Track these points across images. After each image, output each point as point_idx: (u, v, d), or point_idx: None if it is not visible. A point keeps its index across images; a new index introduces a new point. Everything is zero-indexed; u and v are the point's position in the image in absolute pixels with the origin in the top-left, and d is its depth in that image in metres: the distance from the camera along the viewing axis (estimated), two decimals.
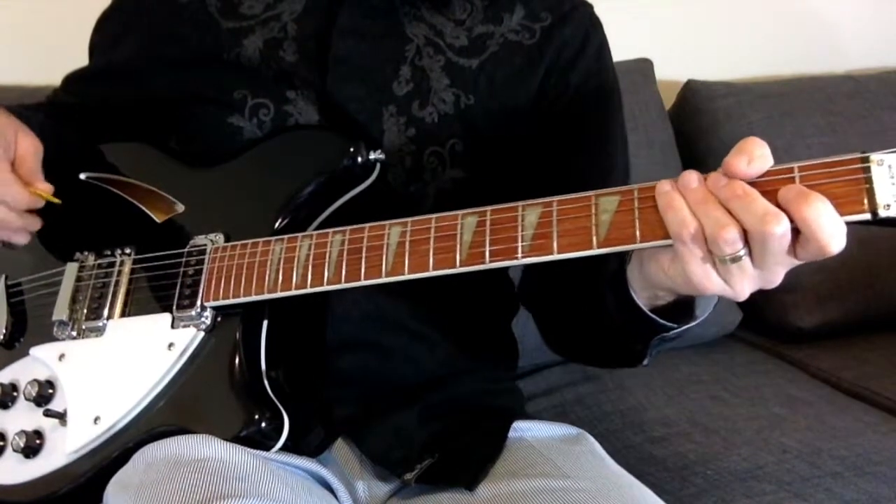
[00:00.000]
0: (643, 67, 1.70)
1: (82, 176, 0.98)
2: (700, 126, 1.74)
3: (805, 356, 1.55)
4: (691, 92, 1.77)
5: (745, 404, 1.33)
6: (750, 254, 0.63)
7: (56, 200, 0.92)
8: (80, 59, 1.09)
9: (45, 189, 0.90)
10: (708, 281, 0.66)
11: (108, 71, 1.04)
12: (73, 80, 1.10)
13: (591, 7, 1.00)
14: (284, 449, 0.80)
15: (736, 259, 0.63)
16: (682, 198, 0.64)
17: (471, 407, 0.95)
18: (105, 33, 1.06)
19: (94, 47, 1.08)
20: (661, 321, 0.76)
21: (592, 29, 0.98)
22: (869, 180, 0.60)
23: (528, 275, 1.00)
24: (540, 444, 0.91)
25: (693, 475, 1.15)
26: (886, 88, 1.79)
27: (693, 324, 0.76)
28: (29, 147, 0.89)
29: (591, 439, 0.95)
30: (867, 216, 0.60)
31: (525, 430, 0.94)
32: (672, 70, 1.83)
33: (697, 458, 1.18)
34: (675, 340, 0.80)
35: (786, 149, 1.68)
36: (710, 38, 1.90)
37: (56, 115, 1.05)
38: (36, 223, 0.92)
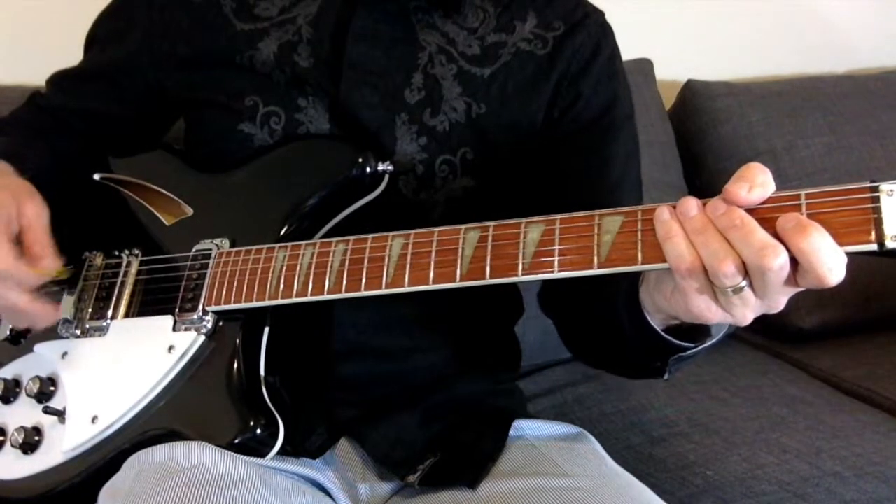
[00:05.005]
0: (643, 67, 1.70)
1: (96, 176, 0.98)
2: (700, 126, 1.74)
3: (805, 356, 1.55)
4: (691, 92, 1.77)
5: (745, 404, 1.33)
6: (751, 284, 0.62)
7: (65, 276, 0.90)
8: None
9: (51, 267, 0.84)
10: (709, 312, 0.65)
11: (109, 67, 1.03)
12: (65, 78, 1.07)
13: (602, 15, 1.00)
14: (284, 453, 0.81)
15: (737, 290, 0.62)
16: (681, 227, 0.64)
17: (472, 408, 0.95)
18: (109, 27, 1.04)
19: (94, 41, 1.05)
20: (676, 342, 0.75)
21: (604, 38, 0.98)
22: (877, 210, 0.58)
23: (548, 284, 1.00)
24: (540, 443, 0.92)
25: (693, 475, 1.15)
26: (886, 88, 1.79)
27: (709, 343, 0.75)
28: (32, 215, 0.84)
29: (592, 439, 0.95)
30: (874, 247, 0.59)
31: (526, 429, 0.94)
32: (672, 70, 1.83)
33: (697, 458, 1.18)
34: (695, 357, 0.79)
35: (786, 149, 1.68)
36: (710, 38, 1.90)
37: (45, 126, 1.03)
38: (54, 313, 0.87)
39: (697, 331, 0.75)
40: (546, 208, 0.72)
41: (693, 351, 0.76)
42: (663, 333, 0.75)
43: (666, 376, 0.82)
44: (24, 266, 0.82)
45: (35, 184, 0.89)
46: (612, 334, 0.82)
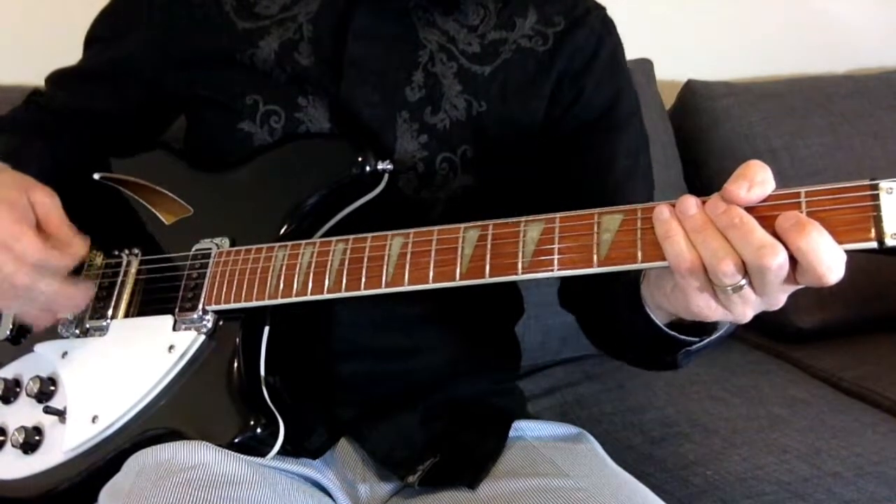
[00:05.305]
0: (643, 67, 1.70)
1: (96, 176, 0.98)
2: (700, 126, 1.74)
3: (805, 356, 1.55)
4: (691, 92, 1.77)
5: (745, 404, 1.33)
6: (750, 283, 0.63)
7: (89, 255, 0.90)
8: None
9: (81, 249, 0.84)
10: (709, 309, 0.66)
11: (109, 66, 1.02)
12: (64, 76, 1.06)
13: (604, 10, 0.99)
14: (284, 452, 0.81)
15: (737, 289, 0.63)
16: (680, 226, 0.64)
17: (472, 407, 0.95)
18: (109, 26, 1.03)
19: (94, 40, 1.05)
20: (681, 337, 0.75)
21: (606, 33, 0.97)
22: (877, 208, 0.59)
23: (565, 281, 0.99)
24: (540, 443, 0.92)
25: (693, 475, 1.15)
26: (886, 88, 1.79)
27: (716, 336, 0.76)
28: (47, 202, 0.84)
29: (592, 439, 0.95)
30: (873, 245, 0.59)
31: (526, 429, 0.94)
32: (672, 70, 1.83)
33: (697, 458, 1.18)
34: (705, 350, 0.79)
35: (786, 148, 1.68)
36: (710, 38, 1.90)
37: (44, 126, 1.02)
38: (90, 290, 0.87)
39: (703, 326, 0.75)
40: (551, 206, 0.72)
41: (701, 344, 0.76)
42: (666, 329, 0.75)
43: (680, 367, 0.82)
44: (57, 252, 0.82)
45: None
46: (623, 329, 0.82)
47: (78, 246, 0.84)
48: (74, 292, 0.85)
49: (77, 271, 0.93)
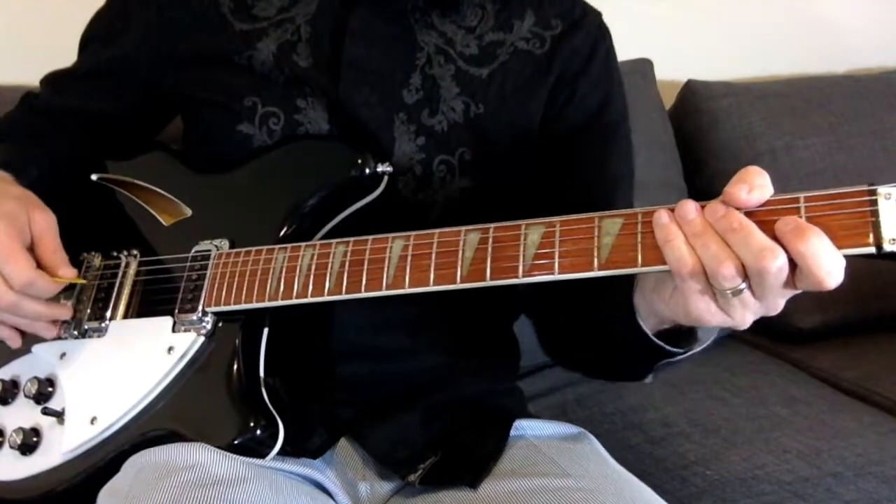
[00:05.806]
0: (643, 67, 1.70)
1: (94, 177, 0.98)
2: (700, 126, 1.74)
3: (805, 356, 1.55)
4: (691, 92, 1.77)
5: (745, 404, 1.33)
6: (750, 287, 0.63)
7: (82, 281, 0.91)
8: None
9: (69, 275, 0.86)
10: (708, 314, 0.66)
11: (105, 66, 1.02)
12: (60, 78, 1.06)
13: (600, 15, 1.00)
14: (284, 453, 0.81)
15: (737, 292, 0.63)
16: (680, 230, 0.64)
17: (473, 407, 0.95)
18: (105, 26, 1.03)
19: (90, 41, 1.04)
20: (668, 347, 0.76)
21: (601, 38, 0.98)
22: (875, 213, 0.59)
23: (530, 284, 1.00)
24: (541, 442, 0.92)
25: (693, 475, 1.15)
26: (886, 88, 1.79)
27: (698, 349, 0.76)
28: (44, 224, 0.85)
29: (593, 439, 0.95)
30: (872, 250, 0.59)
31: (526, 428, 0.94)
32: (672, 70, 1.83)
33: (697, 458, 1.18)
34: (679, 363, 0.79)
35: (786, 149, 1.68)
36: (710, 38, 1.90)
37: (41, 129, 1.02)
38: (66, 313, 0.89)
39: (684, 337, 0.76)
40: (549, 208, 0.73)
41: (680, 357, 0.77)
42: (655, 339, 0.75)
43: (648, 379, 0.83)
44: (46, 276, 0.84)
45: (34, 192, 0.89)
46: (597, 337, 0.82)
47: (66, 271, 0.86)
48: (56, 311, 0.88)
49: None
